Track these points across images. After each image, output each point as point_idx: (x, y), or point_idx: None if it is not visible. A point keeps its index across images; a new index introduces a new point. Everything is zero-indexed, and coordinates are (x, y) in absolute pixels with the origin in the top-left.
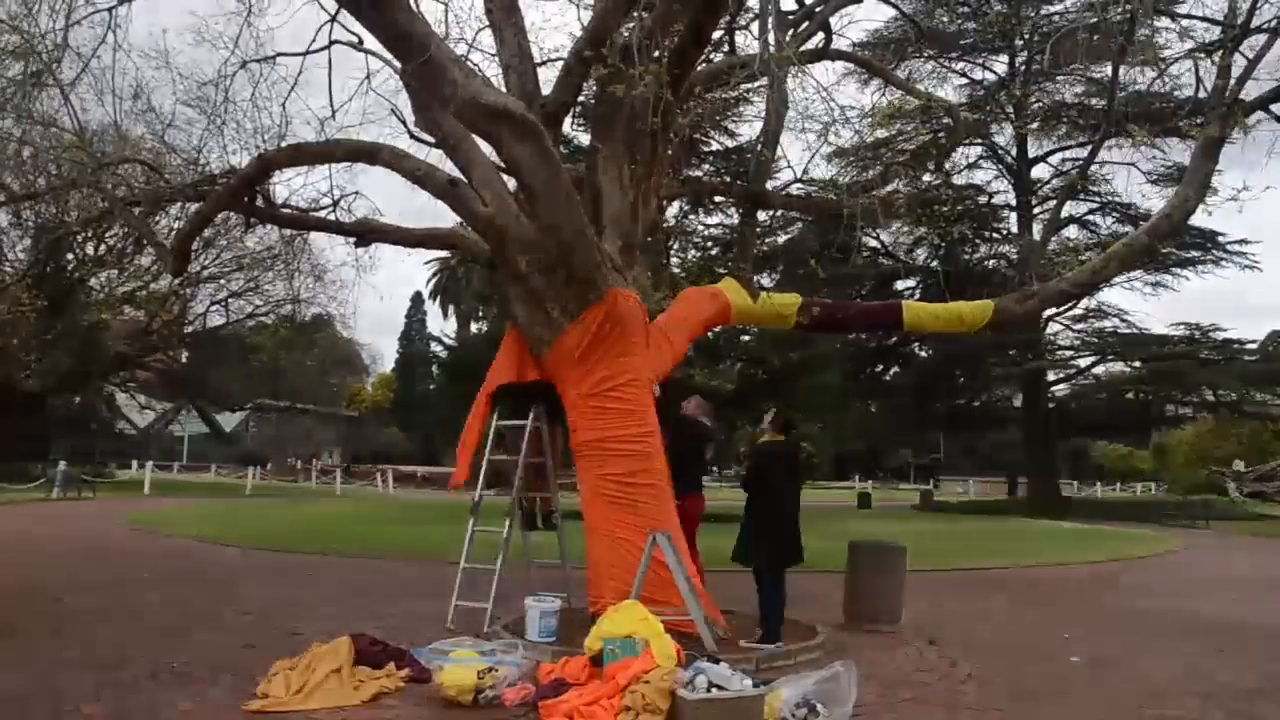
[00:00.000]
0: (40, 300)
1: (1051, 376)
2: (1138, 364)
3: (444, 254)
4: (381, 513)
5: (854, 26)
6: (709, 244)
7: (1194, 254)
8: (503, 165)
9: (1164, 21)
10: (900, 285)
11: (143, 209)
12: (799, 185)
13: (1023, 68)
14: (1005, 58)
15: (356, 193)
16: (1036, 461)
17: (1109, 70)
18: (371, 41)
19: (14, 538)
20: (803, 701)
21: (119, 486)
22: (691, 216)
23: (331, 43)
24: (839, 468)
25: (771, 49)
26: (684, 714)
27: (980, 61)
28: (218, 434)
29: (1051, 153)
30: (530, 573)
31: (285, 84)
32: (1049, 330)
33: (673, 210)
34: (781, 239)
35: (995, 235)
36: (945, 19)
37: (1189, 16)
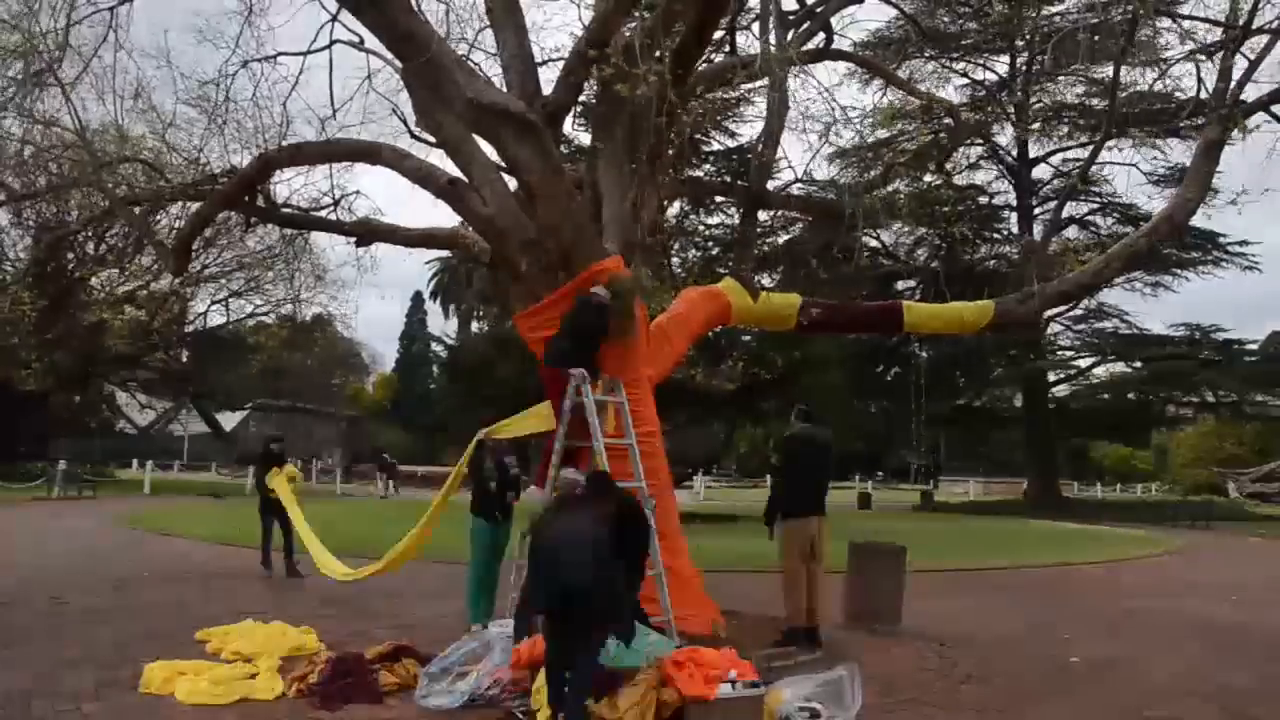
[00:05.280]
0: (40, 300)
1: (1052, 377)
2: (1138, 364)
3: (444, 254)
4: (381, 512)
5: (855, 27)
6: (709, 244)
7: (1194, 255)
8: (503, 165)
9: (1165, 23)
10: (900, 286)
11: (143, 208)
12: (800, 185)
13: (1024, 68)
14: (1006, 58)
15: (357, 192)
16: (1037, 462)
17: (1110, 71)
18: (372, 41)
19: (14, 537)
20: (805, 704)
21: (119, 486)
22: (692, 216)
23: (332, 42)
24: (840, 468)
25: (773, 49)
26: (684, 714)
27: (981, 62)
28: (218, 434)
29: (1052, 153)
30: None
31: (286, 83)
32: (1049, 331)
33: (673, 210)
34: (782, 239)
35: (996, 235)
36: (946, 19)
37: (1190, 18)
